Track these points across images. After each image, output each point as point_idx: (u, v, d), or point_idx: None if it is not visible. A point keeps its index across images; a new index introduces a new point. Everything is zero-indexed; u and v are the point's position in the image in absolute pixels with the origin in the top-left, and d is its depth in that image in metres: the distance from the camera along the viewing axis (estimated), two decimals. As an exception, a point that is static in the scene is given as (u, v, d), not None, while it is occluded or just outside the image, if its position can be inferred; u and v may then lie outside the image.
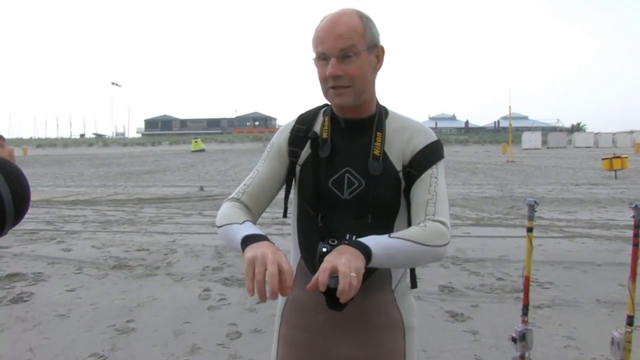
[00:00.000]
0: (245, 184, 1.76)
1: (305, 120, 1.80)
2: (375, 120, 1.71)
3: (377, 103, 1.76)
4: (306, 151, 1.75)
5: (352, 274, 1.31)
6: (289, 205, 1.86)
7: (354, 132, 1.72)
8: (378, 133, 1.69)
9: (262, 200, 1.75)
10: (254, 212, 1.73)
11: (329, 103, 1.77)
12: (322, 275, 1.32)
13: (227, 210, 1.66)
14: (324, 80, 1.64)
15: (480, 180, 19.95)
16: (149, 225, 10.38)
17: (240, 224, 1.57)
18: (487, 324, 4.77)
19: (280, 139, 1.81)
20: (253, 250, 1.38)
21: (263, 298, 1.30)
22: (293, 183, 1.80)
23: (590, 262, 7.00)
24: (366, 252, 1.41)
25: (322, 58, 1.62)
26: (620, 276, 6.07)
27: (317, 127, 1.77)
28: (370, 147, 1.67)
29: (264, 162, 1.80)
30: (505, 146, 43.17)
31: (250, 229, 1.53)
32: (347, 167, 1.68)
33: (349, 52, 1.58)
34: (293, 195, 1.81)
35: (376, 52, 1.67)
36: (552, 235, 8.85)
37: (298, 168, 1.76)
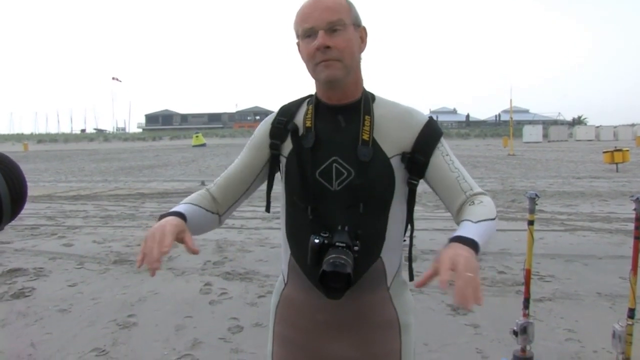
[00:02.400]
0: (220, 176, 1.80)
1: (287, 112, 1.75)
2: (362, 104, 1.67)
3: (363, 88, 1.71)
4: (289, 142, 1.71)
5: (468, 274, 1.21)
6: (278, 199, 1.80)
7: (339, 118, 1.67)
8: (366, 117, 1.64)
9: (230, 193, 1.77)
10: (220, 202, 1.76)
11: (312, 94, 1.74)
12: (444, 273, 1.22)
13: (189, 196, 1.75)
14: (311, 56, 1.58)
15: (482, 173, 19.91)
16: (150, 220, 10.35)
17: (179, 204, 1.66)
18: (489, 318, 4.76)
19: (261, 131, 1.78)
20: (154, 225, 1.45)
21: (150, 271, 1.38)
22: (280, 176, 1.77)
23: (591, 255, 7.01)
24: (475, 247, 1.33)
25: (307, 35, 1.58)
26: (622, 269, 6.05)
27: (299, 117, 1.72)
28: (358, 133, 1.62)
29: (240, 156, 1.81)
30: (506, 140, 43.08)
31: (177, 207, 1.61)
32: (334, 157, 1.63)
33: (337, 25, 1.55)
34: (281, 188, 1.77)
35: (360, 33, 1.64)
36: (553, 229, 8.85)
37: (284, 160, 1.72)
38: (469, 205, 1.56)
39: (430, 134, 1.65)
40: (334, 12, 1.55)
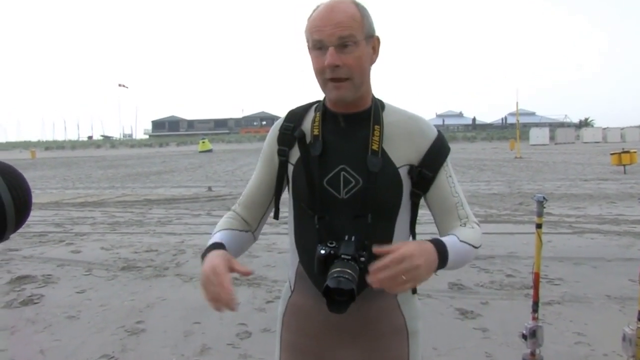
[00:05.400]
0: (242, 195, 1.83)
1: (295, 117, 1.73)
2: (371, 113, 1.65)
3: (373, 96, 1.69)
4: (297, 149, 1.69)
5: (403, 277, 1.35)
6: (287, 206, 1.80)
7: (348, 127, 1.65)
8: (376, 127, 1.62)
9: (256, 209, 1.80)
10: (249, 221, 1.80)
11: (320, 99, 1.73)
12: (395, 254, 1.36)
13: (219, 222, 1.78)
14: (320, 71, 1.56)
15: (489, 176, 19.88)
16: (158, 226, 10.40)
17: (214, 234, 1.70)
18: (497, 321, 4.75)
19: (269, 140, 1.78)
20: (203, 267, 1.49)
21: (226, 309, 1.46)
22: (287, 182, 1.75)
23: (600, 257, 6.97)
24: (444, 261, 1.45)
25: (318, 47, 1.55)
26: (631, 271, 6.03)
27: (307, 124, 1.71)
28: (368, 143, 1.60)
29: (256, 170, 1.82)
30: (513, 142, 42.96)
31: (213, 238, 1.66)
32: (342, 165, 1.62)
33: (347, 42, 1.51)
34: (289, 195, 1.77)
35: (372, 43, 1.61)
36: (561, 231, 8.81)
37: (291, 167, 1.70)
38: (461, 226, 1.64)
39: (439, 150, 1.65)
40: (346, 27, 1.51)
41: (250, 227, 1.80)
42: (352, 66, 1.53)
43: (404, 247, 1.37)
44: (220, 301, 1.44)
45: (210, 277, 1.44)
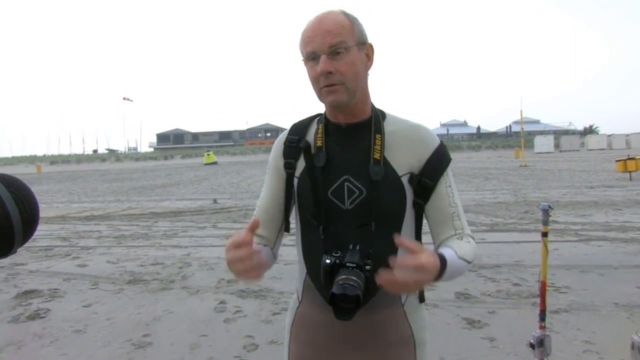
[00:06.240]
0: (254, 214, 1.80)
1: (298, 130, 1.76)
2: (372, 123, 1.67)
3: (372, 106, 1.71)
4: (301, 162, 1.71)
5: (411, 283, 1.35)
6: (292, 218, 1.82)
7: (349, 137, 1.67)
8: (377, 136, 1.64)
9: (271, 227, 1.79)
10: (268, 237, 1.78)
11: (321, 112, 1.75)
12: (416, 255, 1.35)
13: None
14: (315, 80, 1.60)
15: (494, 185, 19.85)
16: (163, 239, 10.41)
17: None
18: (505, 330, 4.73)
19: (274, 154, 1.79)
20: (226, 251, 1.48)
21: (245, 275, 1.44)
22: (293, 195, 1.76)
23: (607, 265, 6.94)
24: (438, 277, 1.45)
25: (311, 58, 1.58)
26: (638, 278, 6.01)
27: (310, 136, 1.73)
28: (370, 152, 1.63)
29: (265, 186, 1.82)
30: (518, 151, 43.01)
31: None
32: (345, 176, 1.64)
33: (338, 48, 1.54)
34: (295, 207, 1.78)
35: (366, 50, 1.64)
36: (567, 239, 8.77)
37: (296, 180, 1.72)
38: (457, 238, 1.65)
39: (440, 160, 1.67)
40: (335, 35, 1.54)
41: (269, 243, 1.80)
42: (345, 72, 1.56)
43: (426, 257, 1.36)
44: (244, 263, 1.42)
45: (229, 250, 1.44)
